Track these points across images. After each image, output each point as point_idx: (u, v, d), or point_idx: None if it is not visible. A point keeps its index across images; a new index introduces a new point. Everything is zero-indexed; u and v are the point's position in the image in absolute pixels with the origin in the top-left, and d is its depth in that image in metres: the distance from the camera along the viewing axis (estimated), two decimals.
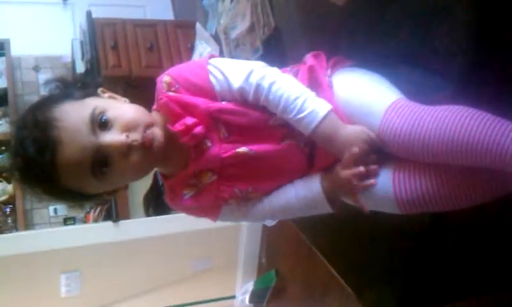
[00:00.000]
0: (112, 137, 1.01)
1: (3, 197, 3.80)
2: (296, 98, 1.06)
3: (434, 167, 1.02)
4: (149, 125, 1.05)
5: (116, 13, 3.94)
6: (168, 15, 4.58)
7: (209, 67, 1.11)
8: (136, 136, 1.02)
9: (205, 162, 1.10)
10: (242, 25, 2.47)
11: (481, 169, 0.98)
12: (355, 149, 1.04)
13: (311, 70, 1.16)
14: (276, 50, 2.22)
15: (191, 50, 3.38)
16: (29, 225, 3.85)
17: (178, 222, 3.04)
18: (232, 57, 2.63)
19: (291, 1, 2.07)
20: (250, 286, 3.23)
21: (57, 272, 3.08)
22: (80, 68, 3.78)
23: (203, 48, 3.12)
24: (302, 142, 1.12)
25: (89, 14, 3.66)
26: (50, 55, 4.42)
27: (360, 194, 1.09)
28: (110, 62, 3.47)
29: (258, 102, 1.09)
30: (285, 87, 1.08)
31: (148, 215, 3.13)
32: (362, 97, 1.10)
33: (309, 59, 1.21)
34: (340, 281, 1.96)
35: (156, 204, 1.40)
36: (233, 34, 2.58)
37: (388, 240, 1.56)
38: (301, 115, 1.05)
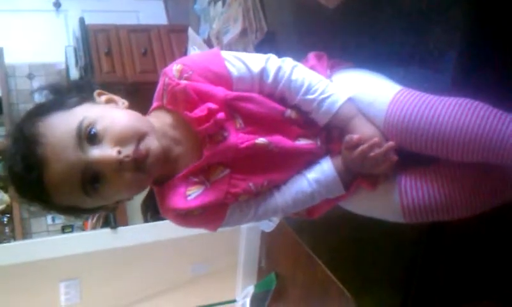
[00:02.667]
0: (101, 152, 0.93)
1: (0, 207, 3.78)
2: (320, 81, 1.08)
3: (440, 175, 1.03)
4: (144, 135, 0.97)
5: (109, 19, 3.92)
6: (162, 19, 4.56)
7: (224, 55, 1.07)
8: (127, 151, 0.94)
9: (220, 153, 1.03)
10: (235, 30, 2.47)
11: (489, 173, 0.99)
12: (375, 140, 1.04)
13: (312, 70, 1.14)
14: (273, 54, 2.20)
15: (185, 54, 3.37)
16: (26, 234, 3.83)
17: (177, 228, 3.02)
18: None
19: (284, 5, 2.07)
20: (251, 289, 3.22)
21: (56, 281, 3.06)
22: (74, 74, 3.76)
23: (196, 53, 3.11)
24: (318, 141, 1.12)
25: (82, 20, 3.64)
26: (44, 62, 4.39)
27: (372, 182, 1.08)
28: (104, 68, 3.47)
29: (277, 87, 1.08)
30: (307, 71, 1.10)
31: (146, 221, 3.14)
32: (365, 89, 1.09)
33: (311, 59, 1.21)
34: (339, 285, 1.95)
35: (154, 210, 1.32)
36: (226, 39, 2.57)
37: (387, 245, 1.55)
38: (325, 95, 1.07)
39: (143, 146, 0.96)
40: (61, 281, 3.06)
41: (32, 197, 0.98)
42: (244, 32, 2.40)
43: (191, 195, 1.04)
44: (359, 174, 1.09)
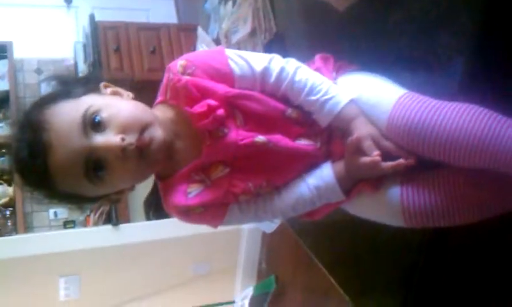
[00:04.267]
0: (105, 138, 0.94)
1: (3, 200, 3.78)
2: (323, 82, 1.08)
3: (443, 180, 1.02)
4: (148, 125, 0.98)
5: (120, 16, 3.94)
6: (172, 18, 4.58)
7: (227, 53, 1.08)
8: (131, 139, 0.95)
9: (220, 150, 1.04)
10: (244, 30, 2.47)
11: (492, 181, 0.98)
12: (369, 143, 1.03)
13: (318, 71, 1.15)
14: (277, 54, 2.21)
15: None
16: (28, 228, 3.84)
17: (178, 226, 3.01)
18: None
19: (293, 6, 2.07)
20: (250, 291, 3.20)
21: (56, 276, 3.05)
22: (83, 70, 3.79)
23: None
24: (319, 142, 1.11)
25: (92, 17, 3.66)
26: (52, 58, 4.41)
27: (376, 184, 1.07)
28: (112, 65, 3.48)
29: (280, 87, 1.08)
30: (310, 72, 1.10)
31: (148, 219, 3.13)
32: (369, 92, 1.09)
33: (317, 60, 1.21)
34: (339, 289, 1.94)
35: (157, 208, 1.34)
36: (235, 38, 2.58)
37: (388, 250, 1.54)
38: (328, 96, 1.07)
39: (146, 134, 0.98)
40: (61, 276, 3.06)
41: (36, 184, 0.99)
42: (253, 33, 2.40)
43: (192, 193, 1.06)
44: (361, 179, 1.09)
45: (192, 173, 1.06)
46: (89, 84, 1.06)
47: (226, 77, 1.05)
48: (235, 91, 1.05)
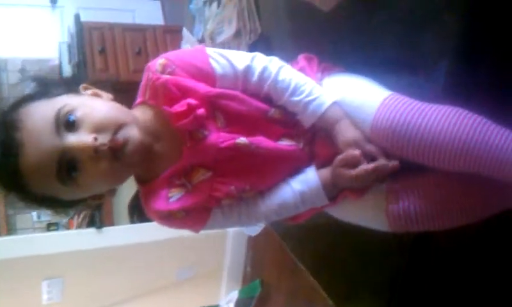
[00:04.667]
0: (77, 138, 0.92)
1: None
2: (306, 83, 1.07)
3: (428, 184, 1.01)
4: (122, 125, 0.96)
5: (105, 17, 3.92)
6: (158, 19, 4.54)
7: (208, 51, 1.06)
8: (104, 139, 0.93)
9: (200, 153, 1.01)
10: (229, 31, 2.46)
11: (476, 185, 0.97)
12: (356, 152, 1.01)
13: (301, 71, 1.13)
14: (260, 53, 2.20)
15: None
16: (12, 230, 3.80)
17: (163, 230, 2.98)
18: None
19: (278, 7, 2.06)
20: (235, 295, 3.19)
21: (39, 279, 3.02)
22: (67, 71, 3.74)
23: None
24: (301, 143, 1.09)
25: (77, 17, 3.62)
26: (37, 58, 4.37)
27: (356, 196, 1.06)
28: (97, 66, 3.45)
29: (262, 86, 1.06)
30: (294, 72, 1.08)
31: (132, 222, 3.11)
32: (354, 94, 1.07)
33: (301, 60, 1.19)
34: (323, 293, 1.93)
35: (141, 211, 1.32)
36: (219, 39, 2.57)
37: (373, 253, 1.53)
38: (312, 97, 1.05)
39: (120, 135, 0.95)
40: (44, 279, 3.02)
41: (9, 185, 0.95)
42: (238, 34, 2.40)
43: (173, 197, 1.03)
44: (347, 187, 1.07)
45: (173, 177, 1.04)
46: (69, 85, 1.04)
47: (207, 76, 1.03)
48: (217, 90, 1.03)
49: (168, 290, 3.26)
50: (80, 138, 0.92)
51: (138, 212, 1.33)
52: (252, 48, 2.31)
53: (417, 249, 1.36)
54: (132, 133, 0.97)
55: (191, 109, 0.97)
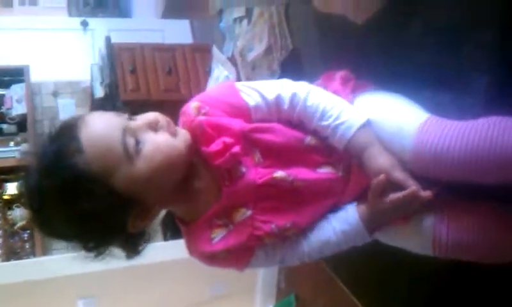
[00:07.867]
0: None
1: (21, 223, 3.80)
2: (334, 106, 1.04)
3: (478, 218, 1.00)
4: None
5: (135, 37, 3.99)
6: (187, 38, 4.60)
7: (238, 86, 1.07)
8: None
9: (240, 191, 1.01)
10: (259, 48, 2.46)
11: None
12: (381, 177, 0.99)
13: (335, 93, 1.11)
14: (293, 72, 2.20)
15: (208, 73, 3.38)
16: (47, 250, 3.84)
17: None
18: (248, 79, 2.62)
19: (309, 22, 2.06)
20: None
21: (74, 298, 3.05)
22: (99, 92, 3.81)
23: (220, 71, 3.11)
24: (340, 170, 1.08)
25: (108, 39, 3.69)
26: (69, 80, 4.46)
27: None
28: (128, 86, 3.50)
29: (293, 113, 1.05)
30: (323, 95, 1.07)
31: (166, 238, 3.11)
32: (390, 118, 1.05)
33: (337, 81, 1.17)
34: None
35: (174, 227, 1.32)
36: (250, 56, 2.57)
37: (413, 273, 1.50)
38: (340, 121, 1.03)
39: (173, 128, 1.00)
40: (79, 298, 3.05)
41: (59, 200, 0.92)
42: (269, 50, 2.40)
43: (215, 238, 1.03)
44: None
45: (214, 217, 1.04)
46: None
47: (241, 110, 1.04)
48: (251, 125, 1.03)
49: (202, 306, 3.25)
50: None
51: (171, 229, 1.32)
52: (283, 64, 2.31)
53: (459, 274, 1.33)
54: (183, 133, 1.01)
55: (226, 147, 0.98)
